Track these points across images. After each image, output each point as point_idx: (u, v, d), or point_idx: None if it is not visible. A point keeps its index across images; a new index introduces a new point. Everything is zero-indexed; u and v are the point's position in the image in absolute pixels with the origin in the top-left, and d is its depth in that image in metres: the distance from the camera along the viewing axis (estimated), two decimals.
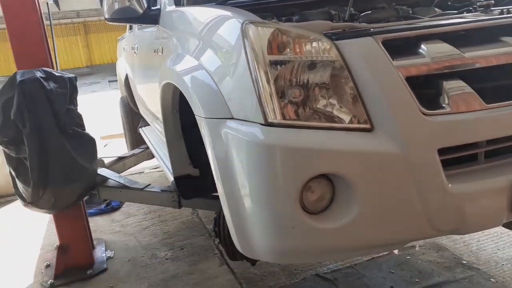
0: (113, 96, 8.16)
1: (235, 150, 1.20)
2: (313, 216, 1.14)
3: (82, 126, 2.54)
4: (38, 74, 2.35)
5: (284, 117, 1.15)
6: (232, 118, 1.24)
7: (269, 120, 1.14)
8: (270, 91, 1.15)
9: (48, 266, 2.76)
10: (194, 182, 2.12)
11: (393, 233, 1.16)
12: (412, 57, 1.19)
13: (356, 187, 1.11)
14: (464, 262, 2.38)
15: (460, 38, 1.25)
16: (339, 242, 1.14)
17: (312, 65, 1.17)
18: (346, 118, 1.16)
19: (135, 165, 3.57)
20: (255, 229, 1.18)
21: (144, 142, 3.61)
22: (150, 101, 2.77)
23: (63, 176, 2.39)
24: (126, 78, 3.77)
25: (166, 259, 2.77)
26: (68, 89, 2.43)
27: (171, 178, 2.27)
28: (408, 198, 1.14)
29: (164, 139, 2.09)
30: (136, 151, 3.56)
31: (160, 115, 2.03)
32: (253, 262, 1.80)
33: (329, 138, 1.13)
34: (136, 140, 3.99)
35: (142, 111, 3.55)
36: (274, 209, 1.13)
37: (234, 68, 1.25)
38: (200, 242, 2.94)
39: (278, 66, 1.16)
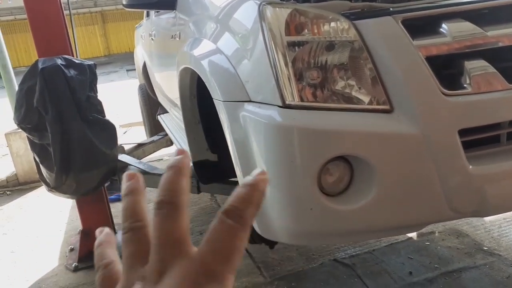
0: (131, 85, 8.26)
1: (253, 133, 1.20)
2: (331, 198, 1.14)
3: (102, 113, 2.58)
4: (59, 61, 2.39)
5: (302, 99, 1.15)
6: (250, 101, 1.24)
7: (287, 102, 1.14)
8: (288, 73, 1.15)
9: (72, 249, 2.85)
10: (213, 167, 2.14)
11: (412, 215, 1.15)
12: (433, 36, 1.17)
13: (374, 169, 1.11)
14: (485, 248, 2.35)
15: (482, 17, 1.22)
16: (357, 224, 1.15)
17: (330, 46, 1.16)
18: (365, 99, 1.15)
19: (154, 151, 3.62)
20: (274, 211, 1.19)
21: (163, 129, 3.65)
22: (168, 88, 2.80)
23: (85, 162, 2.45)
24: (144, 65, 3.81)
25: None
26: (88, 76, 2.47)
27: (190, 164, 2.30)
28: (428, 179, 1.13)
29: (183, 126, 2.11)
30: (155, 138, 3.61)
31: (178, 102, 2.05)
32: (271, 245, 1.82)
33: (347, 119, 1.13)
34: (154, 127, 4.03)
35: (160, 98, 3.58)
36: (292, 191, 1.14)
37: (251, 51, 1.26)
38: None
39: (296, 47, 1.16)
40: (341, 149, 1.11)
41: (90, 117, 2.46)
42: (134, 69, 5.00)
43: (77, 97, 2.39)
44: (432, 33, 1.18)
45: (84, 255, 2.73)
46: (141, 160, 3.13)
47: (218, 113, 1.38)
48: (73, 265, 2.65)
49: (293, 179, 1.13)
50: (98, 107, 2.54)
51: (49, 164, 2.46)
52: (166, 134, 3.55)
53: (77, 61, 2.49)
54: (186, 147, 2.77)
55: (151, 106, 4.06)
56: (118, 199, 3.61)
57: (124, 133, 5.81)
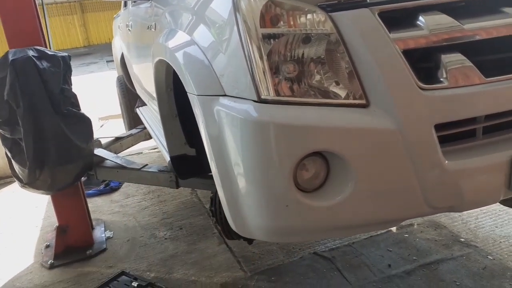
0: (111, 76, 8.10)
1: (228, 128, 1.17)
2: (307, 194, 1.12)
3: (77, 106, 2.51)
4: (31, 53, 2.31)
5: (278, 94, 1.12)
6: (225, 95, 1.21)
7: (263, 97, 1.11)
8: (263, 66, 1.12)
9: (48, 246, 2.78)
10: (191, 162, 2.10)
11: (389, 211, 1.14)
12: (410, 29, 1.15)
13: (351, 165, 1.09)
14: (462, 239, 2.38)
15: (459, 9, 1.21)
16: (333, 220, 1.13)
17: (306, 39, 1.13)
18: (342, 93, 1.13)
19: (132, 145, 3.55)
20: (249, 208, 1.17)
21: (142, 122, 3.59)
22: (146, 80, 2.74)
23: (59, 156, 2.38)
24: (122, 57, 3.72)
25: (165, 238, 2.78)
26: (61, 68, 2.40)
27: (168, 158, 2.25)
28: (404, 175, 1.12)
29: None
30: (134, 131, 3.54)
31: (155, 94, 2.00)
32: (249, 241, 1.80)
33: (323, 114, 1.11)
34: (133, 120, 3.96)
35: (138, 91, 3.51)
36: (267, 187, 1.11)
37: (226, 43, 1.22)
38: (199, 221, 2.95)
39: (272, 40, 1.13)
40: (317, 145, 1.09)
41: (64, 111, 2.38)
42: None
43: (50, 90, 2.31)
44: (408, 25, 1.16)
45: (60, 251, 2.68)
46: (118, 154, 3.07)
47: (192, 107, 1.34)
48: (48, 262, 2.59)
49: (268, 176, 1.10)
50: (72, 100, 2.47)
51: (22, 159, 2.38)
52: (145, 127, 3.49)
53: (50, 53, 2.40)
54: (164, 141, 2.72)
55: (130, 98, 3.98)
56: (95, 194, 3.54)
57: (101, 127, 5.70)
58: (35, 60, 2.29)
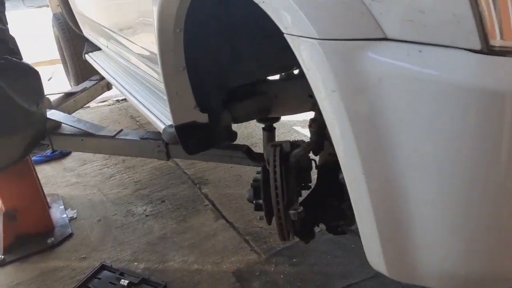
0: (27, 16, 6.60)
1: (402, 102, 0.59)
2: None
3: (17, 54, 1.69)
4: None
5: None
6: (386, 39, 0.61)
7: (491, 43, 0.54)
8: None
9: None
10: (201, 131, 1.46)
11: None
12: None
13: None
14: None
15: None
16: None
17: None
18: None
19: (88, 102, 2.72)
20: (440, 245, 0.62)
21: (93, 73, 2.75)
22: (109, 13, 1.93)
23: (1, 125, 1.60)
24: None
25: (146, 216, 2.14)
26: None
27: (161, 126, 1.60)
28: None
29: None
30: (88, 84, 2.69)
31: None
32: (307, 240, 1.27)
33: None
34: (81, 70, 3.06)
35: (87, 32, 2.63)
36: (493, 213, 0.57)
37: None
38: (183, 191, 2.33)
39: None
40: None
41: (0, 60, 1.56)
42: None
43: None
44: None
45: (11, 243, 1.93)
46: (72, 114, 2.27)
47: (301, 62, 0.70)
48: None
49: (497, 191, 0.56)
50: (10, 46, 1.65)
51: None
52: (102, 78, 2.66)
53: None
54: (141, 97, 2.03)
55: (74, 43, 3.05)
56: (42, 161, 2.70)
57: (49, 80, 4.47)
58: None
